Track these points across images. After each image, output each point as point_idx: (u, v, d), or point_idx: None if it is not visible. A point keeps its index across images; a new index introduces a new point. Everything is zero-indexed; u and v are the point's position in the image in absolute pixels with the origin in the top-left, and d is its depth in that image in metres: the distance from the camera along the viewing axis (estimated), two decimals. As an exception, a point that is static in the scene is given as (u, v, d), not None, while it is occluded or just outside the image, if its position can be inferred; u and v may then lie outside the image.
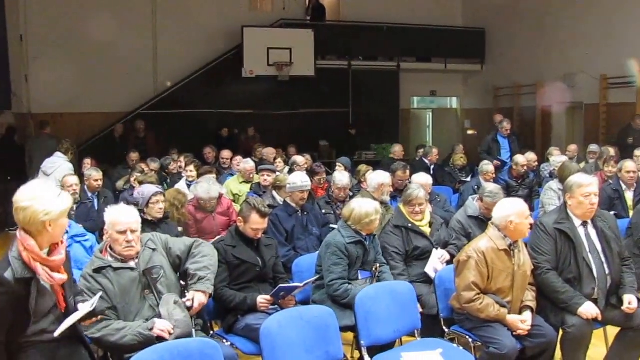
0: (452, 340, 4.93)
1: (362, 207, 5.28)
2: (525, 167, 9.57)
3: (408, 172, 8.09)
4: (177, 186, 8.42)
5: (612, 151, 10.13)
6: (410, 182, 7.47)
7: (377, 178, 7.01)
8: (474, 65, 19.40)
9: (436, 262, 5.64)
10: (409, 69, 18.94)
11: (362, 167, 8.97)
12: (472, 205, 6.33)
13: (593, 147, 11.24)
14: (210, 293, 4.16)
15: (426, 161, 11.38)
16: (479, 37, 19.12)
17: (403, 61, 18.76)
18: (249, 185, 8.68)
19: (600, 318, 4.70)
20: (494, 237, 4.65)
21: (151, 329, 3.83)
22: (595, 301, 4.73)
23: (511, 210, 4.62)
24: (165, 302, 3.99)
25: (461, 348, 4.68)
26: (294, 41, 16.49)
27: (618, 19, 14.09)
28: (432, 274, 5.49)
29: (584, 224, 4.89)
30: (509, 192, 8.36)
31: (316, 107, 17.61)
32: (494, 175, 9.06)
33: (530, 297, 4.75)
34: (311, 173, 8.70)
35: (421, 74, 19.31)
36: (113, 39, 15.35)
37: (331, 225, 6.49)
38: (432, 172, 10.72)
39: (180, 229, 6.60)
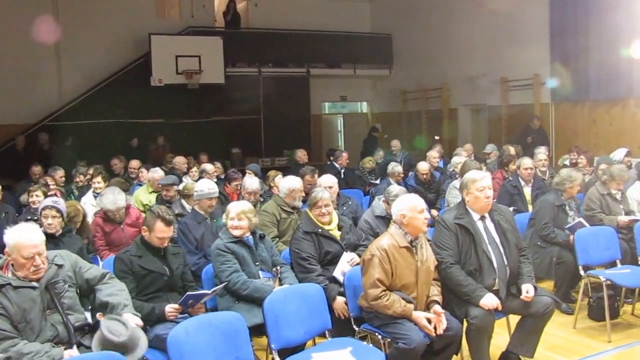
0: (362, 338, 4.97)
1: (226, 211, 5.45)
2: (429, 173, 9.75)
3: (316, 176, 8.14)
4: (84, 198, 8.24)
5: (512, 150, 10.53)
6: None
7: (288, 183, 6.97)
8: (383, 70, 19.74)
9: (344, 265, 5.59)
10: (319, 75, 19.09)
11: (272, 173, 8.97)
12: (379, 205, 6.41)
13: (488, 148, 11.78)
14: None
15: (336, 165, 11.48)
16: (387, 42, 19.51)
17: (313, 67, 18.86)
18: (156, 196, 8.53)
19: (501, 308, 4.85)
20: (395, 235, 4.73)
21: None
22: (496, 292, 4.89)
23: (403, 205, 4.72)
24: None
25: (371, 345, 4.73)
26: (203, 49, 16.36)
27: (518, 24, 14.67)
28: (340, 278, 5.47)
29: (482, 218, 5.06)
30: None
31: (227, 114, 17.53)
32: (402, 176, 9.22)
33: (436, 292, 4.84)
34: (228, 179, 8.68)
35: (331, 79, 19.54)
36: (14, 47, 14.86)
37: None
38: (342, 175, 10.84)
39: (85, 241, 6.43)
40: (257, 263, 5.28)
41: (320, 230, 5.72)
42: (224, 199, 8.04)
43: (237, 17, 18.19)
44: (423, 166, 9.65)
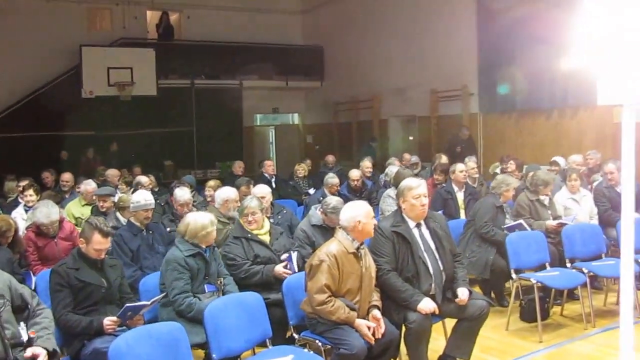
0: (303, 345, 4.96)
1: (197, 220, 5.28)
2: (360, 180, 9.93)
3: (252, 187, 8.20)
4: (14, 212, 7.97)
5: (444, 158, 10.73)
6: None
7: (223, 194, 7.05)
8: (314, 82, 19.87)
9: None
10: (251, 86, 19.08)
11: (211, 183, 8.85)
12: (316, 214, 6.45)
13: (413, 159, 12.16)
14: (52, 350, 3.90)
15: (266, 175, 11.53)
16: (318, 54, 19.66)
17: (245, 79, 18.86)
18: (90, 208, 8.36)
19: (438, 312, 4.92)
20: (343, 241, 4.76)
21: None
22: (433, 297, 4.95)
23: (359, 211, 4.76)
24: None
25: (312, 352, 4.72)
26: (134, 60, 16.18)
27: (447, 37, 14.98)
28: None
29: (418, 225, 5.14)
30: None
31: (160, 126, 17.33)
32: (338, 188, 9.28)
33: (376, 298, 4.89)
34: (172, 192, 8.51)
35: (263, 91, 19.52)
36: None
37: (177, 243, 6.40)
38: (274, 184, 10.91)
39: (17, 256, 6.24)
40: (206, 277, 5.21)
41: (249, 235, 5.89)
42: (168, 209, 7.98)
43: (170, 29, 18.10)
44: (354, 173, 9.83)
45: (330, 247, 4.73)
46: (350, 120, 18.38)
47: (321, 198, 8.18)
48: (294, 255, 5.86)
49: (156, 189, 10.09)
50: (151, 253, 6.29)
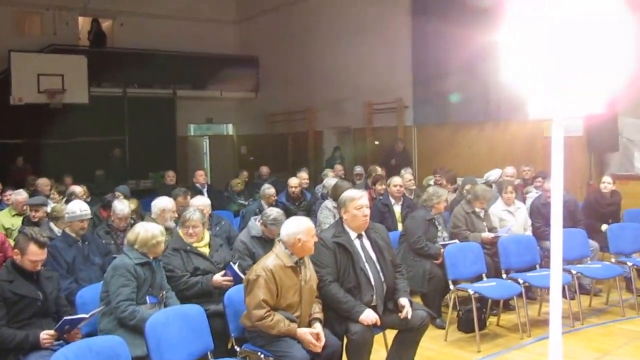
0: (244, 358, 4.91)
1: (148, 230, 5.20)
2: (299, 188, 9.95)
3: (189, 197, 8.14)
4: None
5: (379, 170, 10.83)
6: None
7: (160, 204, 6.97)
8: (249, 93, 19.83)
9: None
10: (185, 96, 18.94)
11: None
12: (255, 226, 6.40)
13: (358, 169, 12.14)
14: None
15: (197, 185, 11.49)
16: (253, 65, 19.62)
17: (179, 88, 18.70)
18: (21, 218, 8.12)
19: (379, 323, 4.93)
20: (281, 255, 4.73)
21: None
22: (374, 308, 4.97)
23: (299, 229, 4.72)
24: None
25: (254, 365, 4.69)
26: (66, 67, 15.81)
27: (381, 51, 15.19)
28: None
29: (359, 236, 5.15)
30: (288, 214, 8.53)
31: (91, 135, 16.98)
32: (275, 198, 9.26)
33: (317, 310, 4.89)
34: (104, 205, 8.32)
35: (197, 101, 19.39)
36: None
37: (113, 255, 6.25)
38: (205, 194, 10.68)
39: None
40: (150, 288, 5.11)
41: (189, 247, 5.83)
42: (97, 221, 7.77)
43: (102, 36, 17.81)
44: (293, 181, 9.82)
45: (267, 262, 4.70)
46: (285, 132, 18.32)
47: (258, 210, 8.15)
48: (235, 265, 5.79)
49: (88, 199, 9.82)
50: (87, 264, 6.15)
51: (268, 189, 9.18)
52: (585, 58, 2.67)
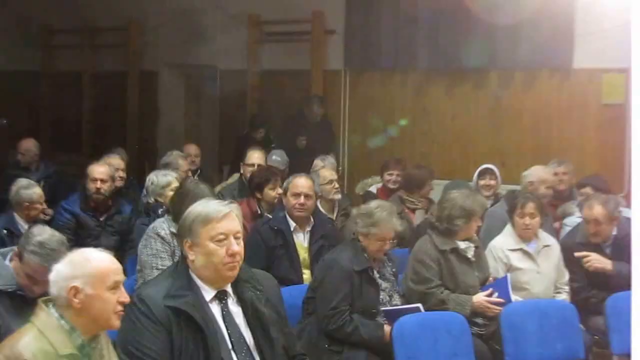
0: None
1: None
2: (108, 185, 7.52)
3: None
4: None
5: (256, 156, 8.13)
6: None
7: None
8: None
9: None
10: None
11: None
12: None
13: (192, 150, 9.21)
14: None
15: None
16: None
17: None
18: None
19: None
20: (49, 330, 3.67)
21: None
22: None
23: (82, 270, 3.64)
24: None
25: None
26: None
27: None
28: None
29: (220, 296, 3.73)
30: (79, 240, 6.76)
31: None
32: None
33: None
34: None
35: None
36: None
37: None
38: None
39: None
40: None
41: None
42: None
43: None
44: (97, 171, 6.95)
45: (19, 346, 3.44)
46: (80, 69, 12.06)
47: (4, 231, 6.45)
48: None
49: None
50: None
51: (26, 189, 6.52)
52: None
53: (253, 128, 9.33)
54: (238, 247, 3.55)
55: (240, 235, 3.67)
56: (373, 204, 5.31)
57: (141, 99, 11.49)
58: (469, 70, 8.91)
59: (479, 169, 7.10)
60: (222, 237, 3.56)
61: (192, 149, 8.54)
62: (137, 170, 9.19)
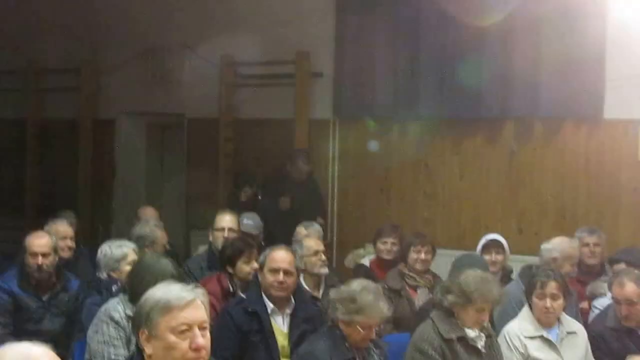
0: None
1: None
2: (50, 258, 7.73)
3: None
4: None
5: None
6: None
7: None
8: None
9: None
10: None
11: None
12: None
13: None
14: None
15: None
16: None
17: None
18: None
19: None
20: None
21: None
22: None
23: None
24: None
25: None
26: None
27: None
28: None
29: None
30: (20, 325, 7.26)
31: None
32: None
33: None
34: None
35: None
36: None
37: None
38: None
39: None
40: None
41: None
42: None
43: None
44: (39, 241, 6.84)
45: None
46: (25, 117, 11.58)
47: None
48: None
49: None
50: None
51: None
52: None
53: (237, 188, 8.95)
54: (203, 340, 3.41)
55: (206, 325, 3.53)
56: (355, 285, 4.96)
57: (95, 151, 10.82)
58: (480, 119, 8.36)
59: (483, 241, 6.53)
60: (184, 328, 3.43)
61: (149, 212, 7.87)
62: (90, 236, 8.68)
